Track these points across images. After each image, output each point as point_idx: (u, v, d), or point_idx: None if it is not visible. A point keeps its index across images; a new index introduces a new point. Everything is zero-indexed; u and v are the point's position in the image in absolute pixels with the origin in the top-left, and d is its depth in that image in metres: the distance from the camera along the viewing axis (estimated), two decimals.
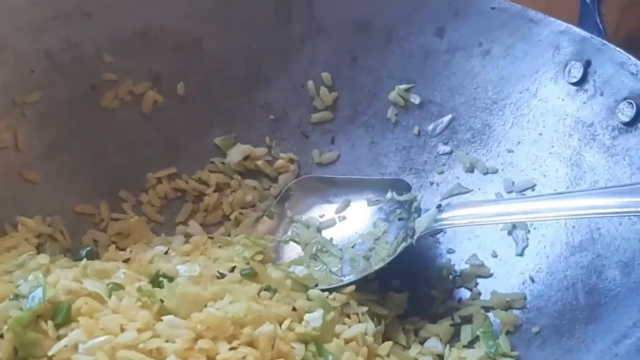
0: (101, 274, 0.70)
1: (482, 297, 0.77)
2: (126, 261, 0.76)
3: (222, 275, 0.73)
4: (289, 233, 0.83)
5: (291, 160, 0.88)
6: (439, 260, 0.81)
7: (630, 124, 0.73)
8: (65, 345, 0.61)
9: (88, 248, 0.79)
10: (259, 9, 0.87)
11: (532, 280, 0.75)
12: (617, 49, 0.75)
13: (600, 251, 0.71)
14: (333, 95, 0.88)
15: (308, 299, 0.73)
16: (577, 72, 0.76)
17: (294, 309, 0.70)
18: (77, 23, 0.83)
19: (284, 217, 0.84)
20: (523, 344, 0.72)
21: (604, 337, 0.66)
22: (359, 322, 0.73)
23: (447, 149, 0.84)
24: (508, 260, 0.78)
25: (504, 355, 0.71)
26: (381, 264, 0.77)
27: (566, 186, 0.76)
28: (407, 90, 0.85)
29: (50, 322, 0.63)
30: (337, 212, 0.83)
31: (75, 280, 0.67)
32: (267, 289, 0.72)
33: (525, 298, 0.75)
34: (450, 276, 0.79)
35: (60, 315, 0.63)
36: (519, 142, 0.80)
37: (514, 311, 0.74)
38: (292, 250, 0.82)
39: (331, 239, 0.81)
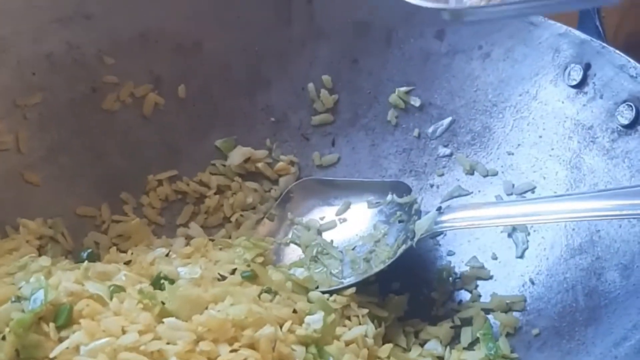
0: (102, 276, 0.70)
1: (482, 300, 0.77)
2: (127, 263, 0.76)
3: (223, 278, 0.73)
4: (290, 235, 0.84)
5: (292, 163, 0.88)
6: (439, 263, 0.81)
7: (630, 126, 0.73)
8: (67, 348, 0.61)
9: (89, 250, 0.79)
10: (259, 11, 0.87)
11: (532, 283, 0.75)
12: (617, 51, 0.75)
13: (600, 254, 0.71)
14: (333, 98, 0.88)
15: (309, 301, 0.73)
16: (576, 75, 0.76)
17: (294, 311, 0.70)
18: (78, 25, 0.83)
19: (284, 220, 0.85)
20: (523, 346, 0.72)
21: (604, 339, 0.66)
22: (360, 324, 0.73)
23: (447, 151, 0.84)
24: (508, 263, 0.78)
25: (504, 357, 0.71)
26: (381, 266, 0.77)
27: (566, 189, 0.76)
28: (407, 92, 0.85)
29: (51, 324, 0.63)
30: (337, 214, 0.83)
31: (77, 282, 0.67)
32: (268, 291, 0.72)
33: (525, 300, 0.75)
34: (451, 278, 0.80)
35: (61, 317, 0.64)
36: (518, 145, 0.80)
37: (514, 313, 0.75)
38: (293, 253, 0.82)
39: (332, 241, 0.81)
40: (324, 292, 0.75)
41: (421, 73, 0.85)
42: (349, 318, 0.73)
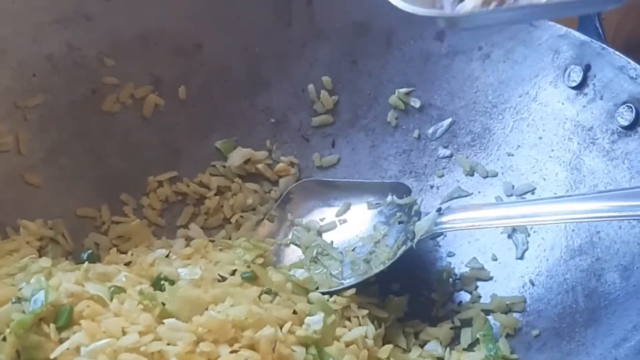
0: (103, 277, 0.70)
1: (482, 300, 0.77)
2: (127, 264, 0.77)
3: (223, 279, 0.73)
4: (290, 236, 0.84)
5: (292, 164, 0.88)
6: (439, 264, 0.81)
7: (630, 127, 0.73)
8: (68, 348, 0.61)
9: (89, 251, 0.79)
10: (259, 13, 0.87)
11: (532, 284, 0.75)
12: (617, 53, 0.75)
13: (600, 255, 0.71)
14: (333, 99, 0.88)
15: (309, 302, 0.73)
16: (576, 76, 0.76)
17: (294, 312, 0.70)
18: (78, 27, 0.83)
19: (284, 221, 0.85)
20: (523, 347, 0.72)
21: (604, 340, 0.66)
22: (360, 325, 0.73)
23: (447, 152, 0.84)
24: (508, 264, 0.78)
25: (504, 358, 0.71)
26: (381, 267, 0.77)
27: (566, 190, 0.76)
28: (407, 93, 0.85)
29: (52, 325, 0.63)
30: (337, 215, 0.84)
31: (77, 283, 0.67)
32: (268, 292, 0.72)
33: (525, 301, 0.75)
34: (451, 279, 0.80)
35: (62, 318, 0.64)
36: (518, 146, 0.80)
37: (514, 314, 0.75)
38: (293, 254, 0.82)
39: (332, 242, 0.81)
40: (324, 293, 0.74)
41: (421, 74, 0.85)
42: (349, 319, 0.73)
